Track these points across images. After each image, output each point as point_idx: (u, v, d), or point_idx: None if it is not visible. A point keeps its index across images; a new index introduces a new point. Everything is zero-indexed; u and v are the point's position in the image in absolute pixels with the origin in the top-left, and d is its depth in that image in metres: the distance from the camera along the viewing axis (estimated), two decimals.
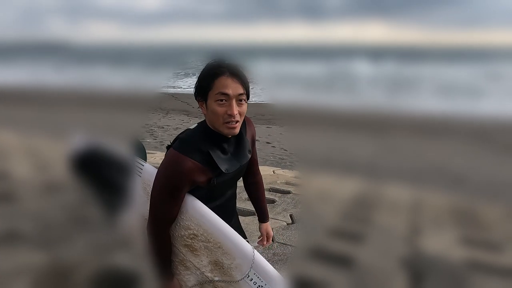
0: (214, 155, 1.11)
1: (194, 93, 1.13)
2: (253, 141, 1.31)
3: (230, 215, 1.31)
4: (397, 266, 2.06)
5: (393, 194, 3.31)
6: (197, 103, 1.15)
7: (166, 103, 11.54)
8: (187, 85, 18.40)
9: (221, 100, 1.06)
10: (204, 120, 1.15)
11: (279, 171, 4.46)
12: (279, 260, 2.37)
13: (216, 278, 1.18)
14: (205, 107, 1.10)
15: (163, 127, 7.92)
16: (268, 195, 3.34)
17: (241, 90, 1.07)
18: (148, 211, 1.17)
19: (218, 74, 1.06)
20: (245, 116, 1.19)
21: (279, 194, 3.54)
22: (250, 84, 1.13)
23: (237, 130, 1.11)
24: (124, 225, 1.32)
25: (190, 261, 1.20)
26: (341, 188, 3.42)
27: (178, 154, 1.09)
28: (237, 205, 1.41)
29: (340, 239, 2.34)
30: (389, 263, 2.09)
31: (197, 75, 1.12)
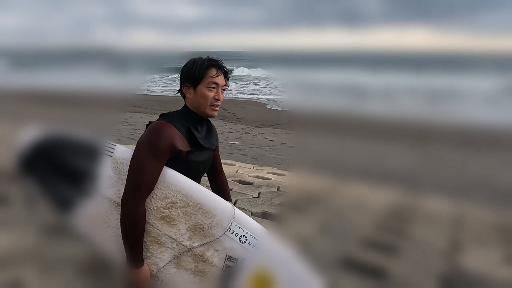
0: (194, 131, 1.27)
1: (181, 80, 1.30)
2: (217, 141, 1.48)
3: None
4: (433, 282, 1.97)
5: (433, 207, 3.16)
6: (180, 93, 1.32)
7: None
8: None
9: (212, 88, 1.27)
10: (185, 105, 1.32)
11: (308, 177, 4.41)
12: None
13: (196, 244, 1.18)
14: (192, 92, 1.28)
15: None
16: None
17: (224, 82, 1.31)
18: (119, 193, 1.21)
19: (210, 66, 1.28)
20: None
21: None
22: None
23: (217, 113, 1.31)
24: (87, 214, 1.25)
25: (165, 234, 1.19)
26: (376, 198, 3.32)
27: (162, 122, 1.24)
28: None
29: (373, 250, 2.27)
30: (424, 278, 2.00)
31: (185, 67, 1.30)
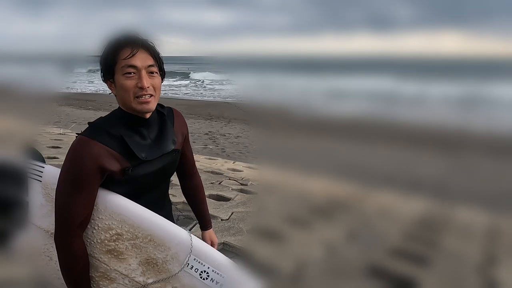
0: (129, 140, 0.98)
1: (101, 74, 1.01)
2: (185, 136, 1.18)
3: None
4: None
5: (466, 217, 3.03)
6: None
7: (228, 112, 11.95)
8: (249, 95, 18.86)
9: (129, 73, 0.94)
10: (118, 107, 1.03)
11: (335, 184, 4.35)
12: None
13: (150, 280, 1.00)
14: (113, 86, 0.98)
15: (224, 135, 8.19)
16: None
17: (150, 61, 0.96)
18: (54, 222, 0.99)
19: (122, 45, 0.95)
20: (173, 109, 1.15)
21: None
22: (162, 59, 1.01)
23: (153, 106, 0.99)
24: (24, 247, 1.07)
25: (115, 269, 1.01)
26: (405, 206, 3.22)
27: (83, 138, 0.95)
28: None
29: (402, 259, 2.20)
30: None
31: (100, 55, 0.99)
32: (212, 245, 1.29)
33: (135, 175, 1.00)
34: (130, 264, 1.00)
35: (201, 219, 1.32)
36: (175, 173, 1.22)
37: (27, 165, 1.07)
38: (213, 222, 2.62)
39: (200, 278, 0.99)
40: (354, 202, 3.64)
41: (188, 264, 0.99)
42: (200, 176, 1.33)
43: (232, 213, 2.82)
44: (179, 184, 1.30)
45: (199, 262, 0.99)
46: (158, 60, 1.00)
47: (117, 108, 1.03)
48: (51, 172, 1.05)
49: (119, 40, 0.96)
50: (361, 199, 3.69)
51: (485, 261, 2.27)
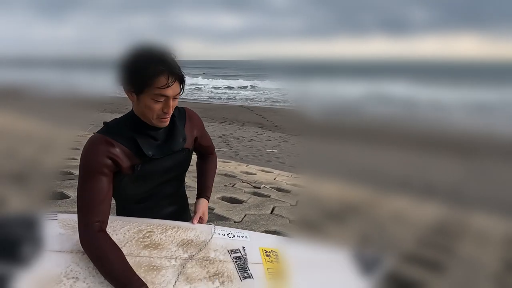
0: (140, 139, 1.05)
1: (122, 81, 1.02)
2: (200, 131, 1.24)
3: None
4: None
5: (482, 224, 2.97)
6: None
7: (242, 115, 12.01)
8: (263, 98, 18.90)
9: (159, 100, 1.00)
10: (132, 109, 1.08)
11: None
12: None
13: (194, 253, 1.11)
14: (135, 98, 1.02)
15: (238, 138, 8.24)
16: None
17: (178, 90, 1.02)
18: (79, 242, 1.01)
19: (158, 73, 0.97)
20: (187, 109, 1.20)
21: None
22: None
23: (168, 122, 1.07)
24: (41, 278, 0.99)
25: (158, 257, 1.07)
26: (420, 211, 3.19)
27: (97, 135, 1.04)
28: None
29: (416, 265, 2.18)
30: None
31: (125, 62, 1.01)
32: (201, 216, 1.26)
33: (144, 172, 1.07)
34: (170, 249, 1.10)
35: (200, 186, 1.33)
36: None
37: (42, 214, 1.10)
38: (226, 224, 2.64)
39: (229, 238, 1.20)
40: (368, 207, 3.62)
41: (215, 232, 1.20)
42: (216, 155, 1.40)
43: (244, 216, 2.84)
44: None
45: (222, 229, 1.23)
46: (184, 84, 1.05)
47: (131, 110, 1.09)
48: (65, 216, 1.11)
49: (157, 66, 0.97)
50: (375, 204, 3.66)
51: (502, 268, 2.23)
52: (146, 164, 1.07)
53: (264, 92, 21.80)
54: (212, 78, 28.25)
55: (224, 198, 3.21)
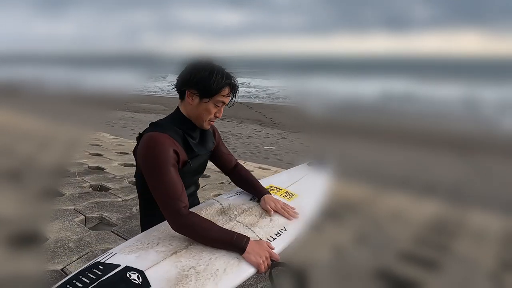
0: (189, 139, 1.23)
1: (187, 84, 1.20)
2: (217, 139, 1.45)
3: None
4: None
5: (480, 222, 2.96)
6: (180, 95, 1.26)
7: (240, 112, 11.97)
8: (262, 95, 18.85)
9: (218, 105, 1.22)
10: (177, 110, 1.25)
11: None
12: None
13: (233, 214, 1.37)
14: (197, 101, 1.20)
15: (236, 135, 8.21)
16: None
17: (231, 103, 1.27)
18: (170, 245, 1.10)
19: (226, 84, 1.20)
20: None
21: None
22: None
23: (210, 127, 1.31)
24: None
25: (222, 224, 1.29)
26: (417, 209, 3.17)
27: (155, 133, 1.16)
28: None
29: (412, 264, 2.16)
30: None
31: (195, 71, 1.19)
32: (270, 208, 1.41)
33: (190, 167, 1.24)
34: (219, 219, 1.32)
35: (254, 192, 1.50)
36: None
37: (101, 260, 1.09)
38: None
39: (238, 195, 1.54)
40: (365, 204, 3.60)
41: (227, 198, 1.51)
42: (244, 167, 1.57)
43: None
44: None
45: (228, 194, 1.56)
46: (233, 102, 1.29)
47: (174, 112, 1.26)
48: (121, 244, 1.16)
49: (226, 79, 1.20)
50: (373, 202, 3.64)
51: (499, 267, 2.21)
52: (192, 160, 1.24)
53: (263, 89, 21.75)
54: None
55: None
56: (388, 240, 2.48)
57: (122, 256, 1.08)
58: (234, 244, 1.11)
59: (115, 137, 6.15)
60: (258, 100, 17.15)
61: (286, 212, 1.40)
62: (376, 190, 3.66)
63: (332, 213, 3.00)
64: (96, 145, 5.06)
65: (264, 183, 1.58)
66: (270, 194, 1.48)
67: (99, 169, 3.71)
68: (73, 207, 2.50)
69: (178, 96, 1.26)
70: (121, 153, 4.57)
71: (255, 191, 1.48)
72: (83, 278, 1.00)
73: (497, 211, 3.13)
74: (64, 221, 2.27)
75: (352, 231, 2.97)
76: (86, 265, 1.07)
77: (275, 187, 1.59)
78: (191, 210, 1.21)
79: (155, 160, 1.11)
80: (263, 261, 1.11)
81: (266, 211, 1.39)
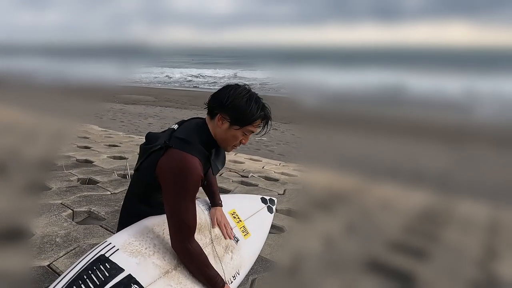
0: (212, 157, 1.23)
1: (220, 108, 1.18)
2: None
3: None
4: None
5: (467, 211, 3.01)
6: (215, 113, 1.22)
7: None
8: (252, 86, 18.77)
9: (247, 134, 1.21)
10: (205, 124, 1.23)
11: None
12: None
13: (209, 235, 1.42)
14: (226, 126, 1.18)
15: None
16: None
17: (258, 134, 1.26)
18: (163, 259, 1.16)
19: (259, 117, 1.19)
20: None
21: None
22: None
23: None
24: None
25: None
26: (406, 199, 3.20)
27: (189, 155, 1.14)
28: None
29: (401, 253, 2.19)
30: (456, 285, 1.90)
31: (232, 99, 1.17)
32: (216, 221, 1.46)
33: (205, 185, 1.33)
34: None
35: (210, 198, 1.53)
36: None
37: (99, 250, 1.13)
38: None
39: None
40: (356, 195, 3.63)
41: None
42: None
43: None
44: None
45: None
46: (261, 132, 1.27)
47: (200, 127, 1.23)
48: (117, 236, 1.19)
49: (261, 112, 1.19)
50: (363, 192, 3.67)
51: (485, 254, 2.25)
52: (206, 177, 1.22)
53: (253, 79, 21.66)
54: (202, 66, 27.89)
55: None
56: (378, 230, 2.50)
57: (125, 256, 1.13)
58: (216, 286, 1.21)
59: (104, 129, 6.06)
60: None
61: (225, 230, 1.46)
62: (366, 180, 3.69)
63: (323, 203, 3.02)
64: (84, 137, 4.97)
65: (229, 205, 1.62)
66: (221, 206, 1.53)
67: (87, 162, 3.65)
68: (60, 201, 2.46)
69: (207, 112, 1.25)
70: (110, 145, 4.51)
71: (210, 198, 1.53)
72: (92, 275, 1.05)
73: (483, 200, 3.18)
74: (51, 215, 2.23)
75: (343, 221, 2.99)
76: (90, 258, 1.09)
77: (237, 215, 1.64)
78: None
79: (184, 186, 1.11)
80: None
81: (211, 220, 1.47)
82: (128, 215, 1.32)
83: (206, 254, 1.25)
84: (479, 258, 2.23)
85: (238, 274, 1.41)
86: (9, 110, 6.08)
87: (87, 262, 1.08)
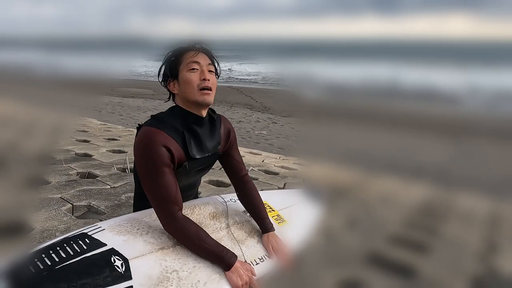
0: (188, 138, 1.13)
1: (163, 77, 1.17)
2: (231, 141, 1.33)
3: None
4: (465, 283, 1.87)
5: (467, 204, 3.00)
6: (167, 89, 1.21)
7: (231, 96, 11.86)
8: (252, 79, 18.69)
9: (193, 69, 1.10)
10: (176, 105, 1.17)
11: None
12: None
13: (226, 222, 1.35)
14: (177, 85, 1.14)
15: None
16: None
17: (209, 62, 1.14)
18: (157, 239, 1.07)
19: (187, 49, 1.13)
20: (222, 116, 1.31)
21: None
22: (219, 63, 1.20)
23: (211, 99, 1.13)
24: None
25: (211, 232, 1.25)
26: (407, 193, 3.20)
27: (150, 128, 1.08)
28: None
29: (402, 247, 2.19)
30: (456, 279, 1.90)
31: (163, 62, 1.17)
32: (272, 249, 1.30)
33: (186, 169, 1.15)
34: (210, 224, 1.27)
35: (259, 223, 1.37)
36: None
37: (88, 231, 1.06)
38: None
39: (233, 202, 1.47)
40: (356, 189, 3.63)
41: (225, 200, 1.46)
42: (252, 181, 1.45)
43: (230, 199, 2.81)
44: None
45: (226, 197, 1.51)
46: (215, 63, 1.17)
47: (174, 105, 1.17)
48: (109, 220, 1.14)
49: (183, 47, 1.13)
50: (363, 186, 3.67)
51: (486, 248, 2.25)
52: (190, 162, 1.15)
53: (253, 73, 21.55)
54: None
55: (211, 182, 3.17)
56: (378, 224, 2.50)
57: (110, 234, 1.05)
58: (222, 259, 1.09)
59: (103, 123, 6.03)
60: (249, 84, 16.99)
61: (282, 257, 1.30)
62: (366, 174, 3.68)
63: (324, 197, 3.01)
64: (83, 131, 4.95)
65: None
66: (274, 230, 1.37)
67: (87, 155, 3.63)
68: (59, 196, 2.44)
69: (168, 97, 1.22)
70: (109, 139, 4.48)
71: (258, 221, 1.37)
72: (67, 247, 0.97)
73: (483, 193, 3.18)
74: (51, 210, 2.22)
75: (343, 215, 2.99)
76: (71, 233, 1.03)
77: (268, 206, 1.54)
78: (184, 203, 1.18)
79: (148, 159, 1.05)
80: (242, 285, 1.08)
81: (265, 248, 1.31)
82: (136, 196, 1.35)
83: (220, 237, 1.17)
84: (479, 252, 2.24)
85: (268, 257, 1.28)
86: (7, 103, 6.04)
87: (66, 237, 1.02)
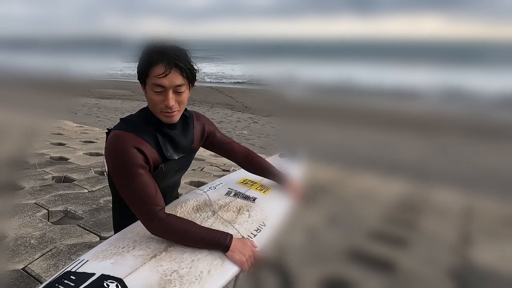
0: (161, 139, 1.10)
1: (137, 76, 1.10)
2: (208, 133, 1.31)
3: None
4: (442, 275, 1.93)
5: (443, 198, 3.10)
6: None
7: (211, 96, 11.79)
8: (232, 79, 18.65)
9: (157, 92, 1.01)
10: (147, 106, 1.12)
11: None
12: None
13: (212, 209, 1.36)
14: (145, 91, 1.07)
15: None
16: None
17: (179, 81, 1.00)
18: (148, 249, 1.03)
19: (155, 62, 0.98)
20: (193, 111, 1.26)
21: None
22: (194, 68, 1.05)
23: (176, 118, 1.08)
24: None
25: (201, 223, 1.24)
26: (385, 189, 3.27)
27: (120, 132, 1.04)
28: None
29: (382, 242, 2.24)
30: (434, 271, 1.97)
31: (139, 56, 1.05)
32: (297, 193, 1.47)
33: (163, 171, 1.12)
34: (197, 217, 1.28)
35: (276, 179, 1.53)
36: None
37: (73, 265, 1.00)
38: None
39: (215, 189, 1.51)
40: (334, 186, 3.68)
41: (204, 192, 1.46)
42: (246, 147, 1.50)
43: None
44: None
45: (205, 188, 1.54)
46: (189, 75, 1.03)
47: (145, 107, 1.12)
48: (92, 252, 1.07)
49: (155, 55, 0.98)
50: (342, 183, 3.73)
51: (461, 241, 2.34)
52: (165, 163, 1.12)
53: (233, 73, 21.53)
54: None
55: (192, 183, 3.14)
56: (359, 220, 2.55)
57: (95, 263, 1.00)
58: (218, 243, 1.06)
59: (79, 125, 5.87)
60: (229, 84, 16.95)
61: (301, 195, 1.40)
62: (345, 171, 3.74)
63: (303, 195, 3.04)
64: (58, 134, 4.80)
65: (238, 176, 1.58)
66: (288, 180, 1.47)
67: (62, 159, 3.52)
68: (34, 201, 2.36)
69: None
70: (85, 141, 4.37)
71: (273, 178, 1.50)
72: None
73: (457, 188, 3.29)
74: (25, 216, 2.14)
75: (324, 213, 3.02)
76: (54, 276, 0.97)
77: (249, 181, 1.57)
78: (166, 206, 1.15)
79: (121, 163, 1.01)
80: (246, 260, 1.07)
81: (210, 199, 1.40)
82: (115, 216, 1.29)
83: (210, 225, 1.16)
84: (455, 244, 2.32)
85: (264, 225, 1.32)
86: None
87: (49, 282, 0.95)
